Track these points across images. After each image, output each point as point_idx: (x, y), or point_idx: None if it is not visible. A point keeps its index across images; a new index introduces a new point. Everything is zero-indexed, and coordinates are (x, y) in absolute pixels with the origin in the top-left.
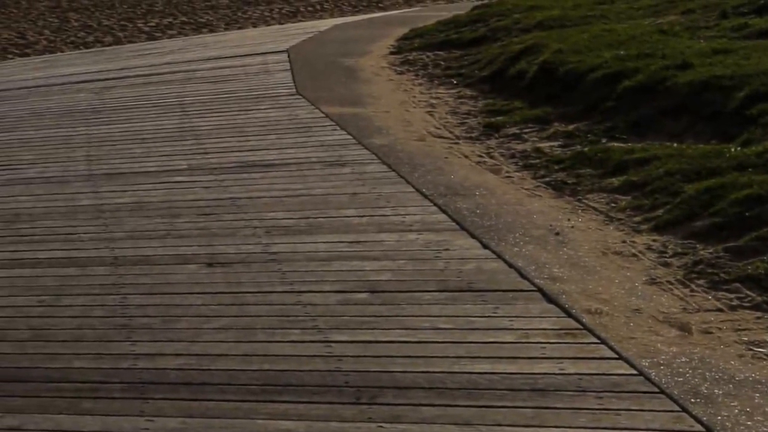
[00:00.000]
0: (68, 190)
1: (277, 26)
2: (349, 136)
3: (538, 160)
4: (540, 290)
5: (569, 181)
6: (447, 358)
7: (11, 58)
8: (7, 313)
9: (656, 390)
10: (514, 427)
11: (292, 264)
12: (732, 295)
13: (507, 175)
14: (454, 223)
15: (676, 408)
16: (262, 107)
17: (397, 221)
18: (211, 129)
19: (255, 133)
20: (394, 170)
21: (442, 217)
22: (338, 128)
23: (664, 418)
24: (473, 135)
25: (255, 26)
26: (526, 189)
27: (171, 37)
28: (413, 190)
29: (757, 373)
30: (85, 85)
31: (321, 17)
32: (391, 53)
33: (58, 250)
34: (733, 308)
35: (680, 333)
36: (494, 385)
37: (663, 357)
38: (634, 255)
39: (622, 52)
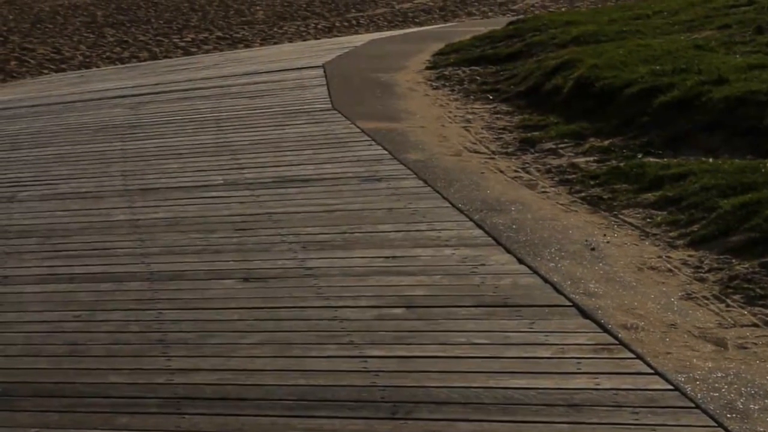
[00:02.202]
0: (104, 206)
1: (313, 41)
2: (385, 152)
3: (573, 176)
4: (576, 305)
5: (605, 197)
6: (483, 373)
7: (47, 74)
8: (42, 328)
9: (692, 405)
10: None
11: (327, 279)
12: None
13: (543, 190)
14: (489, 239)
15: (712, 423)
16: (298, 122)
17: (433, 236)
18: (246, 144)
19: (291, 148)
20: (429, 185)
21: (478, 232)
22: (374, 143)
23: None
24: (509, 150)
25: (291, 41)
26: (561, 204)
27: (207, 52)
28: (449, 205)
29: None
30: (120, 101)
31: (356, 32)
32: (427, 68)
33: (93, 265)
34: None
35: (716, 348)
36: (530, 401)
37: (699, 372)
38: (669, 270)
39: (657, 68)
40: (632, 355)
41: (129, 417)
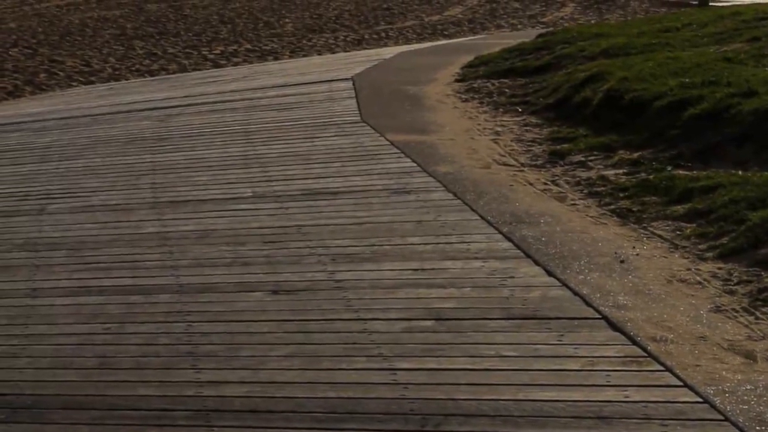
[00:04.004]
0: (133, 218)
1: (342, 54)
2: (414, 164)
3: (603, 188)
4: (605, 318)
5: (634, 209)
6: (512, 385)
7: (76, 86)
8: (72, 340)
9: (721, 417)
10: None
11: (357, 291)
12: None
13: (572, 202)
14: (519, 251)
15: None
16: (327, 135)
17: (462, 249)
18: (276, 156)
19: (320, 160)
20: (459, 198)
21: (507, 244)
22: (403, 156)
23: None
24: (538, 162)
25: (320, 54)
26: (591, 217)
27: (236, 64)
28: (478, 217)
29: None
30: (149, 113)
31: (386, 45)
32: (456, 81)
33: (123, 277)
34: None
35: (745, 360)
36: (559, 413)
37: (728, 384)
38: (699, 283)
39: (687, 80)
40: (661, 368)
41: (158, 429)
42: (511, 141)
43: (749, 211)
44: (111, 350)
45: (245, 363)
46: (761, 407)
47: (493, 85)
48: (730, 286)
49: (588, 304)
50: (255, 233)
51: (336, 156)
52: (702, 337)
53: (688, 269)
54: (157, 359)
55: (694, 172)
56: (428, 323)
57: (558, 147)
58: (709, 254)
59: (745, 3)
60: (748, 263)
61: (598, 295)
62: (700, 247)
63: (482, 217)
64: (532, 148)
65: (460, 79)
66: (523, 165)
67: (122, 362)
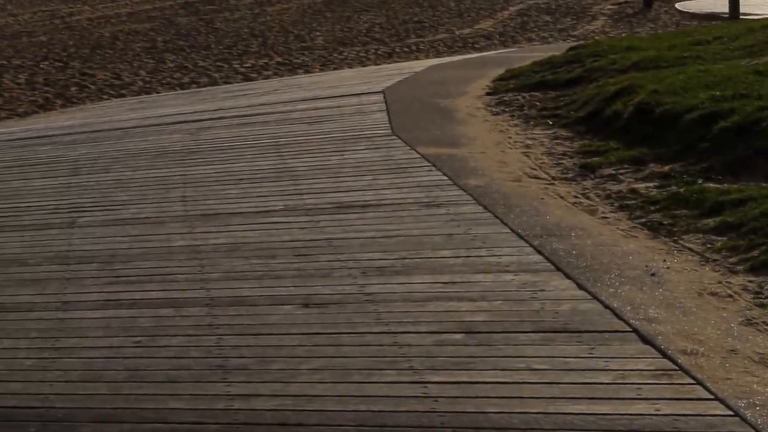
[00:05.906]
0: (164, 231)
1: (373, 67)
2: (445, 177)
3: (633, 201)
4: (636, 331)
5: (665, 222)
6: (542, 398)
7: (107, 99)
8: (103, 353)
9: (752, 431)
10: None
11: (387, 305)
12: None
13: (603, 216)
14: (549, 264)
15: None
16: (358, 148)
17: (493, 262)
18: (306, 170)
19: (350, 173)
20: (489, 211)
21: (538, 258)
22: (434, 169)
23: None
24: (569, 176)
25: (351, 67)
26: (621, 230)
27: (267, 78)
28: (509, 231)
29: None
30: (180, 126)
31: (417, 58)
32: (487, 94)
33: (154, 290)
34: None
35: None
36: (590, 426)
37: (759, 398)
38: (730, 296)
39: (717, 93)
40: (692, 381)
41: None
42: (542, 154)
43: None
44: (141, 363)
45: (276, 376)
46: None
47: (523, 98)
48: (761, 299)
49: (619, 317)
50: (286, 246)
51: (367, 169)
52: (733, 350)
53: (719, 282)
54: (187, 372)
55: (725, 185)
56: (459, 336)
57: (589, 160)
58: (740, 267)
59: None
60: None
61: (629, 308)
62: (731, 260)
63: (513, 231)
64: (563, 162)
65: (491, 92)
66: (553, 178)
67: (153, 375)
